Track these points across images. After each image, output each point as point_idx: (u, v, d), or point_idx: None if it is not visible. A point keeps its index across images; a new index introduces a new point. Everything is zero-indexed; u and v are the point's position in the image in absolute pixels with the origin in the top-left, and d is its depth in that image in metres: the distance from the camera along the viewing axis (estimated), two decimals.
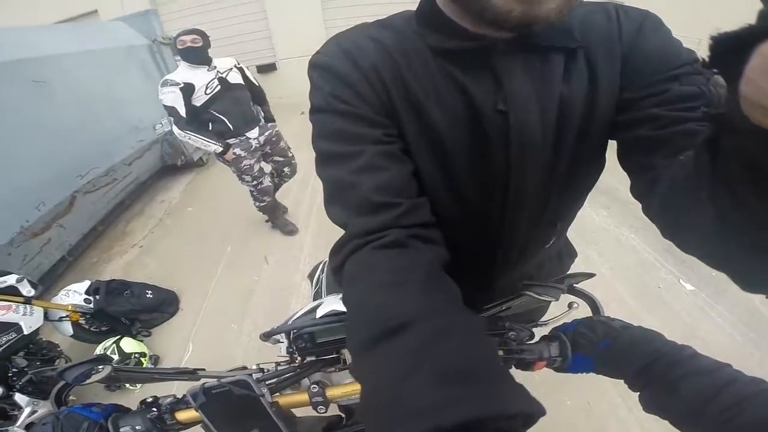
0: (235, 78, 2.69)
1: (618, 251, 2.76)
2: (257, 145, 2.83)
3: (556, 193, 0.63)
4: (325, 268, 1.20)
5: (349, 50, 0.55)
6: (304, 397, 0.64)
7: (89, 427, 0.58)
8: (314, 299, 0.96)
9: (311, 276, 1.28)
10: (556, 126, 0.54)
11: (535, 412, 0.31)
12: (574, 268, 0.96)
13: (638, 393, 0.57)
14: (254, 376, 0.63)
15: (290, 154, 3.15)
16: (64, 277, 3.17)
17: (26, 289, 1.98)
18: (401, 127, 0.56)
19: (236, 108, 2.67)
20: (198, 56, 2.57)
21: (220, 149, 2.64)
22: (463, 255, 0.70)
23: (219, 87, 2.60)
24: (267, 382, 0.64)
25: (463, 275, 0.76)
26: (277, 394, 0.65)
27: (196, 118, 2.65)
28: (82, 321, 2.27)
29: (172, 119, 2.61)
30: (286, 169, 3.19)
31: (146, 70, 4.62)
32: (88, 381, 0.61)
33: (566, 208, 0.71)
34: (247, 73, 2.81)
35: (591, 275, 0.74)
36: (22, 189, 2.77)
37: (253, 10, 7.26)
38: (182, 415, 0.63)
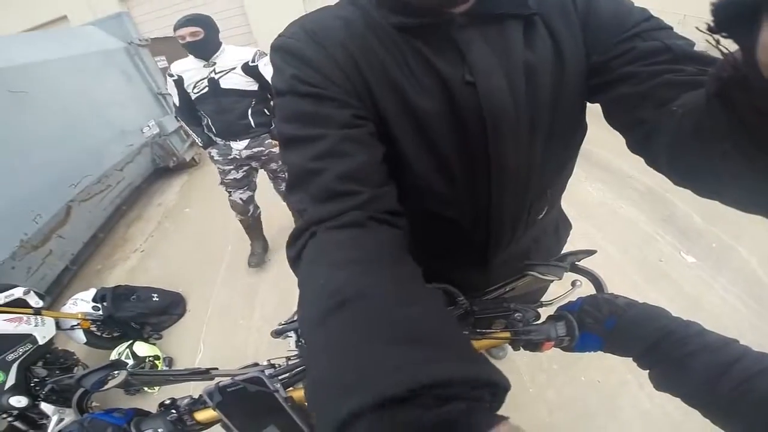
0: (231, 81, 2.31)
1: (617, 225, 2.75)
2: (237, 157, 2.57)
3: (540, 159, 0.62)
4: None
5: (313, 31, 0.54)
6: None
7: None
8: None
9: None
10: (526, 93, 0.54)
11: (504, 383, 0.30)
12: (573, 244, 0.96)
13: (647, 371, 0.57)
14: (266, 372, 0.64)
15: None
16: (70, 286, 3.18)
17: (34, 301, 1.98)
18: (377, 104, 0.55)
19: (219, 117, 2.43)
20: (201, 50, 2.23)
21: (201, 144, 2.60)
22: (457, 233, 0.70)
23: (206, 89, 2.33)
24: (280, 377, 0.64)
25: (460, 254, 0.76)
26: (291, 388, 0.66)
27: (194, 110, 2.53)
28: (93, 328, 2.28)
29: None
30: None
31: (126, 74, 4.53)
32: (105, 387, 0.62)
33: (553, 174, 0.70)
34: (264, 72, 2.32)
35: (592, 252, 0.74)
36: (17, 202, 2.75)
37: (230, 5, 7.04)
38: (201, 415, 0.64)
